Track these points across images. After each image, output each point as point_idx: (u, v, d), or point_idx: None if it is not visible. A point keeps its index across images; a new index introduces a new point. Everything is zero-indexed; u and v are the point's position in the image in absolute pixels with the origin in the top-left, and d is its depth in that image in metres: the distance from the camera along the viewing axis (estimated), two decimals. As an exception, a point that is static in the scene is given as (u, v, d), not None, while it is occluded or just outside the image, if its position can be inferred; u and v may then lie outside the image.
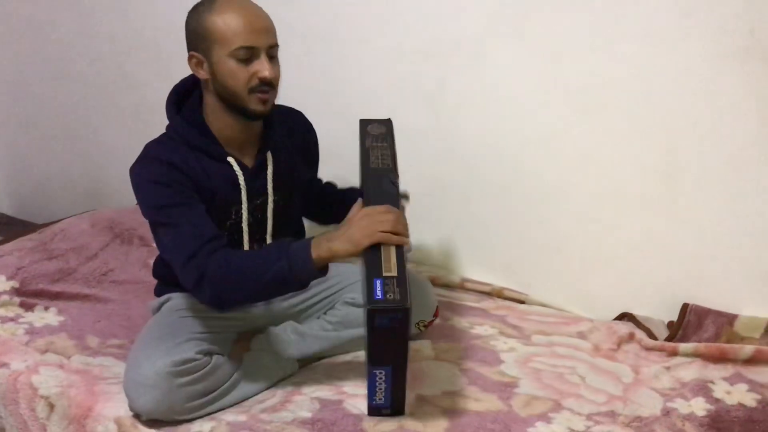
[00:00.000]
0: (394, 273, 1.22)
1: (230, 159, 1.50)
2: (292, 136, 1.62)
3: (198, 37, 1.41)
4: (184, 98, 1.54)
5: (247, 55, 1.39)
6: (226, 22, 1.38)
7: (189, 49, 1.45)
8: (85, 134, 2.69)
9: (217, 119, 1.48)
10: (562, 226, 1.84)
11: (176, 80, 2.40)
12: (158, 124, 1.57)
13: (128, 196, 2.49)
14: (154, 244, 2.06)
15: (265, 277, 1.32)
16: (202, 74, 1.45)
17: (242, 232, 1.53)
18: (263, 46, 1.39)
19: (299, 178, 1.63)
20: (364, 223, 1.29)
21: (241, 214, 1.52)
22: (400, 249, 1.27)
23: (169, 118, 1.52)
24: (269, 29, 1.42)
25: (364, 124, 1.53)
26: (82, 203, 2.68)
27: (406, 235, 1.30)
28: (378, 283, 1.21)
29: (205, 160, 1.48)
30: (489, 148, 1.89)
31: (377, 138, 1.49)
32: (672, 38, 1.59)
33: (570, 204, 1.82)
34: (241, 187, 1.50)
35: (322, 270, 1.34)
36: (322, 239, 1.32)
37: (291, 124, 1.63)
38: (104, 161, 2.68)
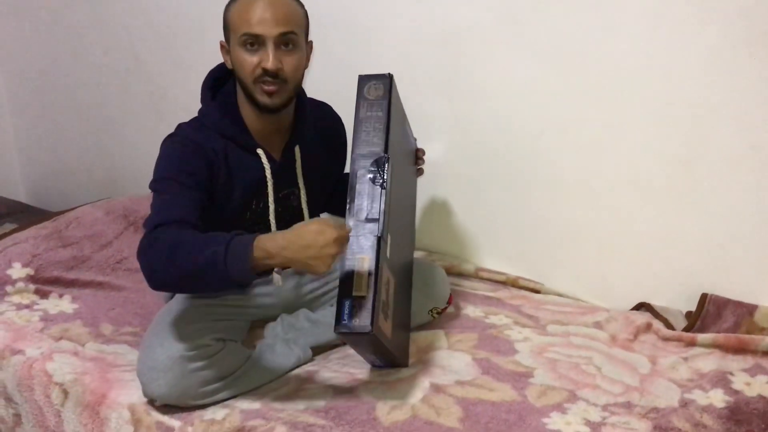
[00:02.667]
0: (364, 293, 1.21)
1: (259, 151, 1.49)
2: (320, 131, 1.61)
3: (224, 26, 1.44)
4: (221, 84, 1.54)
5: (253, 43, 1.38)
6: (238, 10, 1.39)
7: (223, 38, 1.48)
8: (100, 123, 2.69)
9: (246, 109, 1.49)
10: (579, 215, 1.82)
11: (190, 69, 2.41)
12: (172, 112, 1.57)
13: (143, 185, 2.50)
14: (168, 233, 2.09)
15: (199, 258, 1.22)
16: (228, 62, 1.46)
17: (269, 224, 1.53)
18: (270, 35, 1.37)
19: (326, 172, 1.62)
20: (295, 246, 1.19)
21: (266, 206, 1.52)
22: (377, 267, 1.24)
23: (203, 103, 1.52)
24: (280, 18, 1.37)
25: (363, 82, 1.41)
26: (97, 191, 2.69)
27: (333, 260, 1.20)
28: (346, 304, 1.21)
29: (235, 149, 1.48)
30: (504, 137, 1.87)
31: (372, 105, 1.38)
32: (691, 24, 1.56)
33: (587, 193, 1.80)
34: (268, 180, 1.50)
35: (255, 269, 1.22)
36: (270, 241, 1.21)
37: (320, 118, 1.62)
38: (119, 150, 2.68)
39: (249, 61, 1.39)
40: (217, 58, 1.57)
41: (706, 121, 1.60)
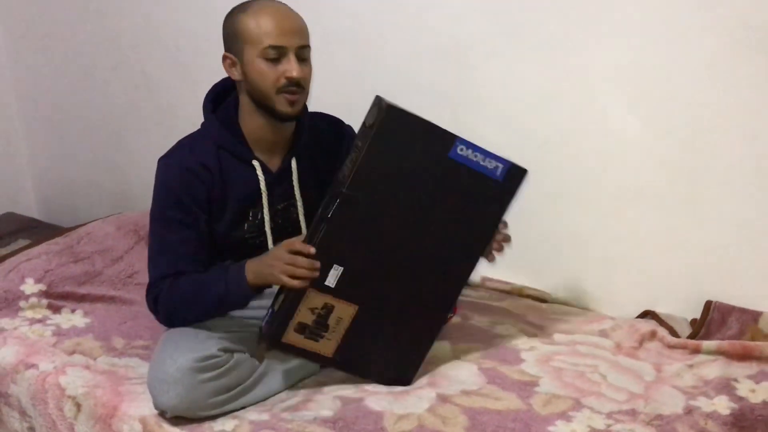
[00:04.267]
0: (277, 308, 1.39)
1: (255, 162, 1.52)
2: (322, 144, 1.62)
3: (231, 38, 1.46)
4: (223, 98, 1.57)
5: (276, 55, 1.41)
6: (257, 23, 1.41)
7: (225, 50, 1.49)
8: (109, 139, 2.73)
9: (250, 121, 1.51)
10: (583, 224, 1.83)
11: (197, 84, 2.43)
12: (180, 127, 1.59)
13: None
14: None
15: (206, 300, 1.46)
16: (235, 75, 1.48)
17: (265, 235, 1.55)
18: (292, 46, 1.41)
19: (326, 187, 1.63)
20: (264, 266, 1.39)
21: (262, 217, 1.54)
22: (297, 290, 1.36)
23: (204, 116, 1.56)
24: (299, 30, 1.44)
25: (373, 104, 1.35)
26: (108, 207, 2.72)
27: (301, 275, 1.33)
28: (269, 312, 1.42)
29: (231, 161, 1.51)
30: (508, 146, 1.87)
31: (361, 134, 1.36)
32: (692, 31, 1.58)
33: (591, 202, 1.81)
34: (263, 191, 1.52)
35: (254, 289, 1.43)
36: (252, 264, 1.41)
37: (323, 131, 1.64)
38: (129, 165, 2.72)
39: (271, 72, 1.42)
40: (224, 73, 1.60)
41: (710, 129, 1.62)
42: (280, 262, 1.34)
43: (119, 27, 2.51)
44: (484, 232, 1.46)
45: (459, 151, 1.36)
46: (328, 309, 1.38)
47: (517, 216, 1.92)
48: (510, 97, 1.85)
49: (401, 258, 1.41)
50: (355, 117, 1.76)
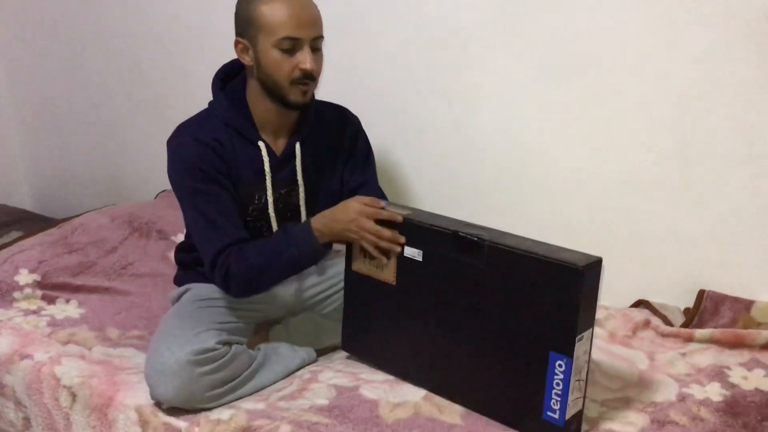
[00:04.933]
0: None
1: (261, 144, 1.52)
2: (328, 132, 1.62)
3: (245, 23, 1.44)
4: (230, 78, 1.57)
5: (291, 46, 1.41)
6: (273, 12, 1.40)
7: (236, 34, 1.48)
8: (103, 130, 2.72)
9: (258, 103, 1.51)
10: (577, 215, 1.84)
11: (192, 76, 2.44)
12: (173, 119, 1.59)
13: (147, 191, 2.54)
14: (173, 238, 2.11)
15: (280, 266, 1.46)
16: (247, 60, 1.48)
17: (269, 218, 1.55)
18: (307, 37, 1.41)
19: (329, 172, 1.63)
20: (329, 222, 1.43)
21: (266, 200, 1.54)
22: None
23: (213, 94, 1.56)
24: (315, 21, 1.44)
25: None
26: (101, 198, 2.71)
27: (384, 247, 1.39)
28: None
29: (238, 140, 1.51)
30: (502, 139, 1.89)
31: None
32: (683, 23, 1.59)
33: (584, 192, 1.82)
34: (266, 173, 1.52)
35: (327, 245, 1.48)
36: (318, 219, 1.44)
37: (330, 120, 1.64)
38: (122, 156, 2.71)
39: (286, 63, 1.42)
40: (218, 64, 1.60)
41: (702, 119, 1.63)
42: (362, 230, 1.39)
43: (113, 18, 2.50)
44: None
45: None
46: None
47: (510, 206, 1.94)
48: (504, 89, 1.85)
49: None
50: (350, 107, 1.76)
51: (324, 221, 1.43)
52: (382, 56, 2.00)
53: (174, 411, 1.37)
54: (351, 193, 1.62)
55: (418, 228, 1.35)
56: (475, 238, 1.28)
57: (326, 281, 1.66)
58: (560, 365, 1.19)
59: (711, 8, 1.55)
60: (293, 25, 1.40)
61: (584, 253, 1.22)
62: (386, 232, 1.37)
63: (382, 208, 1.39)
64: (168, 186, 1.58)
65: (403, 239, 1.37)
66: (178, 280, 1.69)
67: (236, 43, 1.48)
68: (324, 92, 1.74)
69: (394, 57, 1.98)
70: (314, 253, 1.46)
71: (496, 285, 1.27)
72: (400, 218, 1.37)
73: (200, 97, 1.61)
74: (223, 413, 1.36)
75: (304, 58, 1.42)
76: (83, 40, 2.61)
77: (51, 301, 1.83)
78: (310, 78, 1.44)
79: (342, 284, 1.56)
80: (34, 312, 1.77)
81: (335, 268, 1.66)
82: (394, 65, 1.99)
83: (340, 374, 1.47)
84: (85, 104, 2.72)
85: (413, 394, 1.39)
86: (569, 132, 1.79)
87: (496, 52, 1.84)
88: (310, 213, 1.57)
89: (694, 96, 1.62)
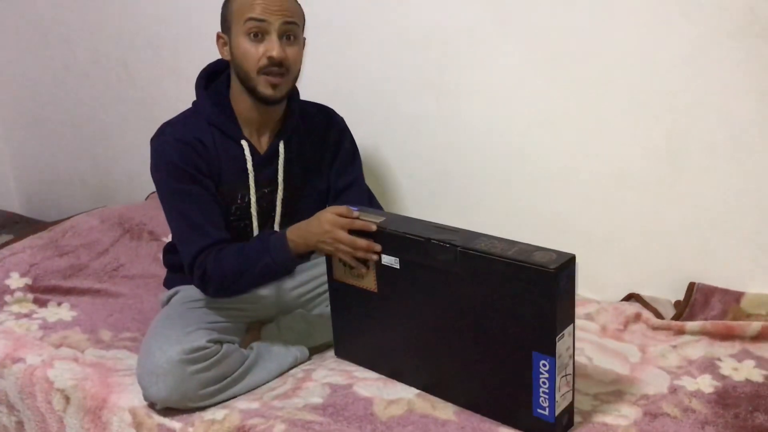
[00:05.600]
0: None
1: (243, 142, 1.52)
2: (312, 132, 1.62)
3: (224, 16, 1.46)
4: (215, 77, 1.57)
5: (258, 29, 1.40)
6: (242, 1, 1.41)
7: (220, 31, 1.50)
8: (92, 132, 2.71)
9: (240, 101, 1.51)
10: (566, 209, 1.84)
11: (180, 76, 2.43)
12: (163, 119, 1.58)
13: (136, 192, 2.54)
14: (164, 239, 2.11)
15: (255, 273, 1.45)
16: (225, 54, 1.48)
17: (251, 217, 1.55)
18: (275, 21, 1.41)
19: (312, 172, 1.63)
20: (304, 233, 1.40)
21: (249, 199, 1.54)
22: None
23: (196, 93, 1.56)
24: (285, 8, 1.43)
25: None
26: (91, 200, 2.70)
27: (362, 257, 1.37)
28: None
29: (221, 139, 1.51)
30: (490, 133, 1.90)
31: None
32: (671, 17, 1.59)
33: (573, 186, 1.82)
34: (249, 172, 1.52)
35: (302, 256, 1.46)
36: (295, 233, 1.41)
37: (316, 120, 1.64)
38: (111, 158, 2.70)
39: (253, 51, 1.41)
40: (207, 61, 1.60)
41: (688, 113, 1.63)
42: (336, 241, 1.35)
43: (100, 18, 2.49)
44: None
45: None
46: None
47: (499, 201, 1.95)
48: (492, 84, 1.86)
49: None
50: (337, 104, 1.76)
51: (299, 233, 1.41)
52: (369, 52, 2.00)
53: (168, 412, 1.37)
54: (338, 194, 1.62)
55: (392, 237, 1.33)
56: (447, 245, 1.27)
57: (313, 280, 1.66)
58: (544, 365, 1.20)
59: (699, 2, 1.56)
60: (260, 8, 1.40)
61: (557, 252, 1.21)
62: (361, 242, 1.34)
63: (357, 218, 1.37)
64: (158, 187, 1.58)
65: (379, 248, 1.34)
66: (168, 283, 1.69)
67: (217, 38, 1.49)
68: (311, 89, 1.74)
69: (381, 53, 1.98)
70: (289, 262, 1.44)
71: (473, 289, 1.26)
72: (373, 227, 1.34)
73: (189, 98, 1.61)
74: (217, 413, 1.36)
75: (271, 46, 1.41)
76: (70, 41, 2.60)
77: (43, 304, 1.82)
78: (277, 66, 1.42)
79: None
80: (26, 315, 1.77)
81: (320, 268, 1.65)
82: (381, 61, 1.99)
83: (334, 372, 1.47)
84: (72, 105, 2.71)
85: (407, 391, 1.39)
86: (557, 126, 1.80)
87: (482, 49, 1.84)
88: (288, 213, 1.57)
89: (681, 89, 1.63)
